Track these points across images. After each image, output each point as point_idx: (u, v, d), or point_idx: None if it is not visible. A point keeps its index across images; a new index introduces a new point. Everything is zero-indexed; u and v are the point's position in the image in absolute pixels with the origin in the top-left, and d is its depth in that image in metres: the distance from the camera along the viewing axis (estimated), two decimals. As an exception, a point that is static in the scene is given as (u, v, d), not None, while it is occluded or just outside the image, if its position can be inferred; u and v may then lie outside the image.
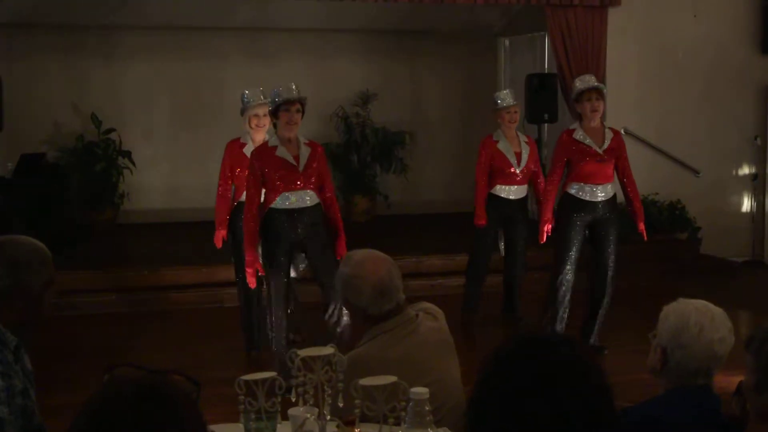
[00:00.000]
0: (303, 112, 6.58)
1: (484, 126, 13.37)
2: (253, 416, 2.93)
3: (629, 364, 5.31)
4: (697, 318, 3.03)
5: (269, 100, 6.87)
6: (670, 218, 10.91)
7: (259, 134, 7.29)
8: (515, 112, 8.16)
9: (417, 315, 3.68)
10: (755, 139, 11.46)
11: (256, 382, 2.90)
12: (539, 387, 1.69)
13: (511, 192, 8.20)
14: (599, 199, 7.39)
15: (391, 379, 2.82)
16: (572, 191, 7.42)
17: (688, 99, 11.31)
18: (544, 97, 11.28)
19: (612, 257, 7.58)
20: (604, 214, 7.43)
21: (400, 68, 13.23)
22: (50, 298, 3.27)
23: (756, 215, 11.57)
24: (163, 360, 6.81)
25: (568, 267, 7.55)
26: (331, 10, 11.96)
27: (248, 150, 7.15)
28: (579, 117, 7.46)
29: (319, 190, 6.66)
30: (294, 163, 6.48)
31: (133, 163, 12.18)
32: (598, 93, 7.27)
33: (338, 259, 6.64)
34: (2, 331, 3.13)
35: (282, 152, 6.48)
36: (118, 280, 9.38)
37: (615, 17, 10.93)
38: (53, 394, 5.55)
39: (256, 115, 7.25)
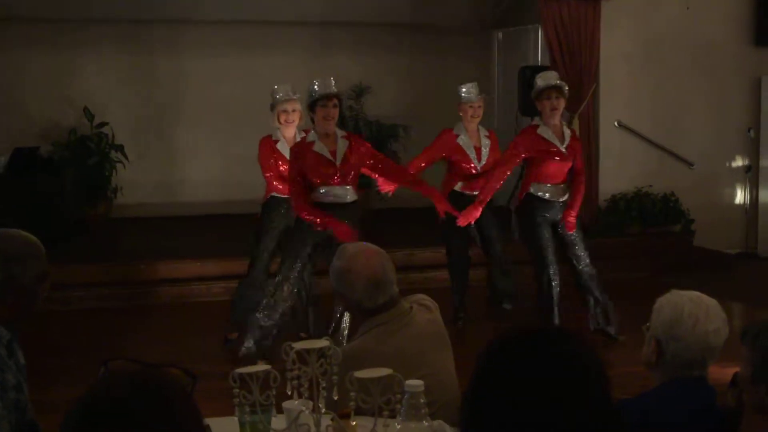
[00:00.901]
0: (340, 107, 6.59)
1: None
2: (247, 409, 2.92)
3: (623, 357, 5.32)
4: (691, 309, 3.03)
5: (298, 95, 6.97)
6: (663, 210, 10.92)
7: (289, 130, 7.27)
8: (479, 106, 7.99)
9: (411, 307, 3.68)
10: (748, 131, 11.48)
11: (250, 375, 2.90)
12: (535, 381, 1.68)
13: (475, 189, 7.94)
14: (560, 198, 7.30)
15: (386, 371, 2.82)
16: (533, 191, 7.30)
17: (681, 91, 11.32)
18: (537, 90, 11.26)
19: (584, 257, 7.43)
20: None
21: (393, 61, 13.21)
22: (43, 293, 3.26)
23: (749, 207, 11.58)
24: (158, 354, 6.80)
25: (551, 270, 7.31)
26: (325, 3, 11.97)
27: (282, 146, 7.20)
28: (539, 114, 7.34)
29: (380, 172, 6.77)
30: (331, 158, 6.48)
31: (126, 157, 12.15)
32: (558, 91, 7.17)
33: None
34: (-5, 325, 3.13)
35: (319, 147, 6.47)
36: (112, 274, 9.36)
37: (608, 9, 10.93)
38: (48, 389, 5.55)
39: (285, 111, 7.23)
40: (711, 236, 10.97)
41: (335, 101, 6.51)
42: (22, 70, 12.18)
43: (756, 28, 11.43)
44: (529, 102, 11.14)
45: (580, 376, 1.70)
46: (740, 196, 11.64)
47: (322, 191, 6.50)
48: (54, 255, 3.41)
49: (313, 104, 6.53)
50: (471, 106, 7.95)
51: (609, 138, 11.13)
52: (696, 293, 3.11)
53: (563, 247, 7.42)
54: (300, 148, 6.58)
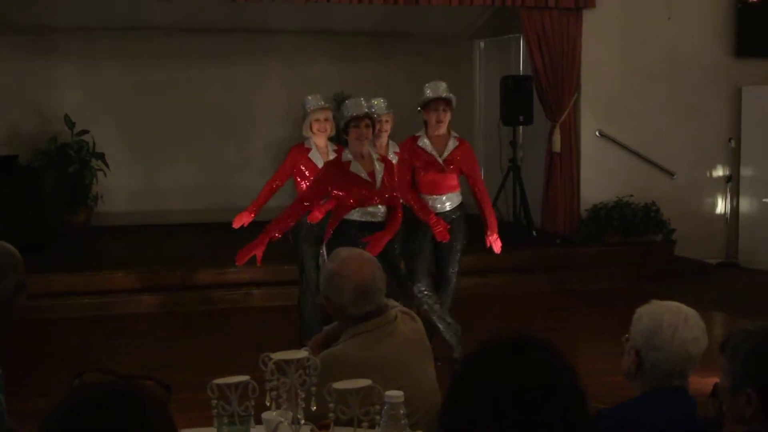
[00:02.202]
0: (373, 127, 6.53)
1: (459, 127, 13.41)
2: (226, 420, 2.90)
3: (603, 367, 5.31)
4: (671, 319, 3.03)
5: (330, 104, 7.12)
6: (644, 220, 10.95)
7: (321, 139, 7.27)
8: (386, 121, 7.48)
9: (396, 316, 3.66)
10: (729, 141, 11.53)
11: (228, 385, 2.88)
12: (511, 393, 1.68)
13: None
14: (439, 210, 6.99)
15: (366, 382, 2.81)
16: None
17: (663, 101, 11.36)
18: (519, 99, 11.30)
19: (453, 270, 7.13)
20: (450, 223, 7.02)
21: (375, 70, 13.21)
22: (21, 303, 3.23)
23: (730, 217, 11.62)
24: (136, 364, 6.76)
25: (423, 282, 7.04)
26: (306, 12, 11.95)
27: (314, 155, 7.19)
28: (424, 124, 7.07)
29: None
30: (369, 179, 6.43)
31: (107, 165, 12.10)
32: (446, 103, 6.91)
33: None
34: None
35: (356, 168, 6.42)
36: (91, 283, 9.31)
37: (590, 19, 10.97)
38: (25, 399, 5.50)
39: (317, 120, 7.22)
40: (692, 246, 11.01)
41: (368, 121, 6.45)
42: (2, 78, 12.12)
43: (736, 39, 11.50)
44: (511, 111, 11.28)
45: (555, 386, 1.71)
46: (721, 206, 11.68)
47: (359, 210, 6.45)
48: (33, 264, 3.38)
49: (345, 125, 6.48)
50: (378, 121, 7.25)
51: (590, 148, 11.16)
52: (675, 303, 3.11)
53: (440, 252, 7.11)
54: (335, 168, 6.51)
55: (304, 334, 7.13)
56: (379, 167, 6.47)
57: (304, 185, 7.16)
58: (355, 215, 6.43)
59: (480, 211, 7.15)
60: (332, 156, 7.06)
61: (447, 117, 6.94)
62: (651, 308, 3.10)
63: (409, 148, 7.03)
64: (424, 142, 6.98)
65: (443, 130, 6.97)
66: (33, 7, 11.54)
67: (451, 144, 7.02)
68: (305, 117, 7.32)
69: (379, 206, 6.49)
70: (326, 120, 7.25)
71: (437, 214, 6.91)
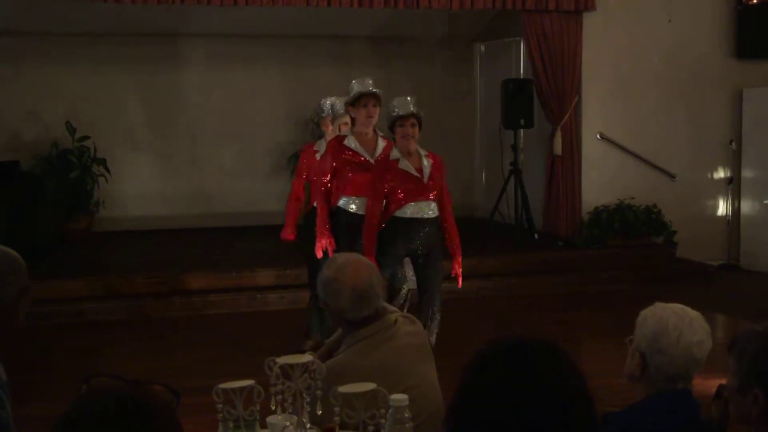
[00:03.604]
0: (420, 126, 6.60)
1: (461, 132, 13.43)
2: (231, 425, 2.91)
3: (604, 370, 5.31)
4: (676, 322, 3.02)
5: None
6: (646, 222, 10.96)
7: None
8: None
9: (396, 320, 3.67)
10: (730, 143, 11.53)
11: (234, 390, 2.88)
12: (518, 396, 1.67)
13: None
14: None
15: (371, 386, 2.81)
16: (342, 204, 6.93)
17: (664, 103, 11.36)
18: (520, 103, 11.31)
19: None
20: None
21: (376, 74, 13.16)
22: (25, 308, 3.23)
23: (731, 219, 11.63)
24: (141, 369, 6.76)
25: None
26: (307, 17, 11.94)
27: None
28: (352, 122, 6.99)
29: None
30: (417, 174, 6.54)
31: (108, 171, 12.11)
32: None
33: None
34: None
35: (405, 165, 6.53)
36: (94, 288, 9.31)
37: (590, 22, 10.98)
38: (28, 405, 5.51)
39: (346, 123, 7.23)
40: (693, 248, 11.01)
41: (413, 120, 6.55)
42: (3, 84, 12.13)
43: (737, 41, 11.50)
44: (512, 114, 11.29)
45: (564, 388, 1.70)
46: (722, 208, 11.69)
47: (406, 206, 6.53)
48: (35, 269, 3.39)
49: (392, 124, 6.59)
50: (346, 123, 7.38)
51: (591, 150, 11.17)
52: (680, 306, 3.11)
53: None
54: (384, 166, 6.59)
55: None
56: (426, 163, 6.59)
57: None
58: (404, 212, 6.52)
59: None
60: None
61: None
62: (655, 311, 3.09)
63: (336, 149, 6.91)
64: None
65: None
66: (33, 13, 11.54)
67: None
68: (334, 119, 7.39)
69: (431, 202, 6.57)
70: (346, 124, 7.28)
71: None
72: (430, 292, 6.61)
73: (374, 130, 6.98)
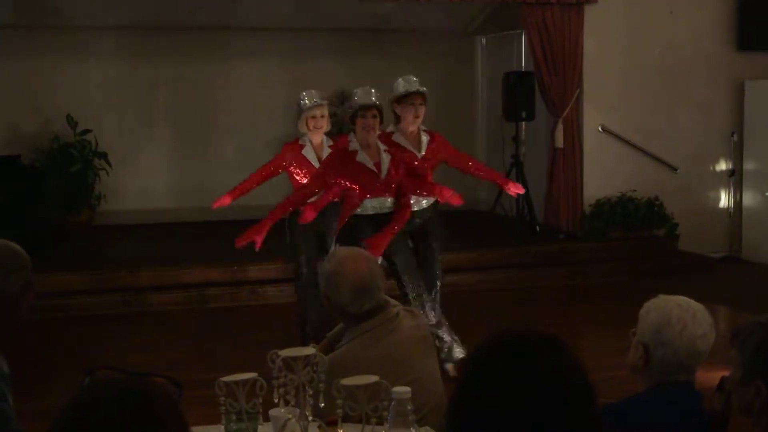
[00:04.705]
0: (381, 118, 6.52)
1: (462, 125, 13.42)
2: (234, 417, 2.91)
3: (606, 362, 5.31)
4: (680, 315, 3.02)
5: (326, 101, 7.11)
6: (647, 215, 10.95)
7: (317, 136, 7.23)
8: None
9: (398, 313, 3.67)
10: (732, 135, 11.52)
11: (236, 383, 2.88)
12: (519, 389, 1.67)
13: None
14: (416, 208, 6.80)
15: (373, 378, 2.81)
16: None
17: (665, 96, 11.35)
18: (521, 95, 11.29)
19: (437, 266, 6.94)
20: (422, 221, 6.89)
21: (376, 67, 13.19)
22: (28, 302, 3.23)
23: (733, 211, 11.62)
24: (144, 362, 6.76)
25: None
26: (307, 10, 11.94)
27: (308, 152, 7.16)
28: (396, 119, 6.93)
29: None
30: (375, 170, 6.44)
31: (110, 164, 12.11)
32: (422, 97, 6.78)
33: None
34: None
35: (362, 158, 6.45)
36: (95, 282, 9.32)
37: (591, 15, 10.96)
38: (30, 398, 5.51)
39: (314, 117, 7.18)
40: (695, 240, 11.01)
41: (374, 112, 6.46)
42: (4, 77, 12.12)
43: (738, 33, 11.48)
44: (513, 107, 11.27)
45: (565, 382, 1.70)
46: (724, 200, 11.68)
47: (366, 203, 6.47)
48: (36, 263, 3.38)
49: (353, 115, 6.52)
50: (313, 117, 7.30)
51: (593, 143, 11.16)
52: (683, 298, 3.10)
53: (422, 252, 6.95)
54: (343, 156, 6.53)
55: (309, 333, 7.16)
56: (385, 158, 6.48)
57: (299, 181, 7.15)
58: (366, 208, 6.46)
59: (491, 179, 7.21)
60: (327, 152, 7.04)
61: (423, 112, 6.79)
62: (659, 303, 3.09)
63: (385, 143, 6.85)
64: (400, 138, 6.82)
65: (417, 125, 6.82)
66: (34, 6, 11.54)
67: (424, 139, 6.88)
68: (300, 113, 7.28)
69: (387, 198, 6.50)
70: (322, 116, 7.20)
71: (414, 212, 6.71)
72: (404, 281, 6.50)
73: (419, 128, 6.91)
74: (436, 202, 6.87)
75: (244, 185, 7.41)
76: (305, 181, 7.01)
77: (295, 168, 7.22)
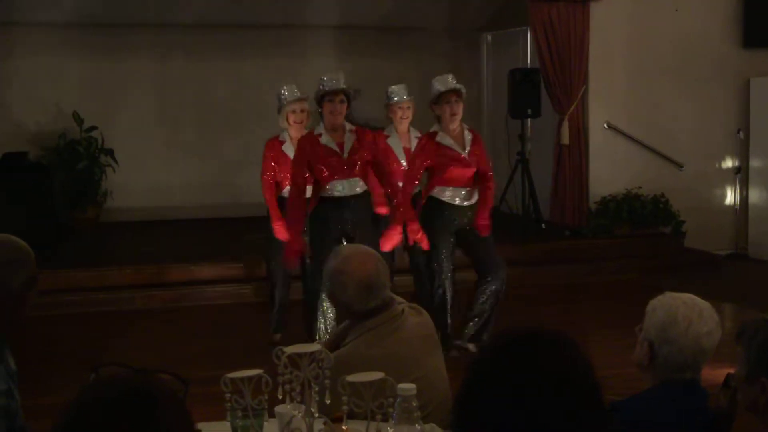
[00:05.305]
0: (348, 103, 6.66)
1: (468, 121, 13.39)
2: (239, 414, 2.91)
3: (613, 360, 5.31)
4: (686, 312, 3.01)
5: (306, 95, 7.11)
6: (653, 212, 10.94)
7: (298, 131, 7.22)
8: (408, 107, 7.68)
9: (403, 311, 3.66)
10: (738, 132, 11.50)
11: (242, 379, 2.88)
12: (525, 386, 1.67)
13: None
14: (465, 203, 6.99)
15: (379, 375, 2.81)
16: (437, 196, 7.00)
17: (671, 93, 11.34)
18: (526, 92, 11.26)
19: (493, 266, 7.05)
20: (471, 218, 7.02)
21: (383, 64, 13.20)
22: (31, 299, 3.23)
23: (739, 208, 11.60)
24: (149, 359, 6.77)
25: (446, 280, 7.04)
26: (313, 8, 11.94)
27: (287, 148, 7.18)
28: (438, 119, 7.04)
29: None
30: (338, 150, 6.58)
31: (116, 161, 12.12)
32: (458, 95, 6.89)
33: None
34: (-15, 331, 3.10)
35: (327, 140, 6.59)
36: (101, 278, 9.34)
37: (597, 12, 10.95)
38: (37, 395, 5.52)
39: (293, 111, 7.22)
40: (701, 237, 10.99)
41: (342, 97, 6.59)
42: (10, 75, 12.14)
43: (744, 30, 11.46)
44: (519, 104, 11.26)
45: (572, 379, 1.70)
46: (730, 198, 11.66)
47: (329, 186, 6.57)
48: (43, 260, 3.39)
49: (320, 99, 6.62)
50: (400, 107, 7.66)
51: (598, 140, 11.15)
52: (689, 295, 3.10)
53: (471, 252, 7.14)
54: (307, 141, 6.66)
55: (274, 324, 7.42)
56: (348, 136, 6.62)
57: (274, 177, 7.22)
58: (329, 191, 6.59)
59: (480, 197, 7.09)
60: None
61: (461, 109, 6.95)
62: (665, 300, 3.08)
63: (429, 146, 6.98)
64: (445, 138, 6.94)
65: (457, 123, 6.97)
66: (40, 4, 11.55)
67: (468, 137, 7.04)
68: (281, 108, 7.28)
69: (354, 179, 6.62)
70: (302, 111, 7.22)
71: (462, 207, 6.95)
72: None
73: (461, 125, 7.03)
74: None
75: (275, 202, 7.28)
76: (284, 176, 7.15)
77: (278, 169, 7.24)
